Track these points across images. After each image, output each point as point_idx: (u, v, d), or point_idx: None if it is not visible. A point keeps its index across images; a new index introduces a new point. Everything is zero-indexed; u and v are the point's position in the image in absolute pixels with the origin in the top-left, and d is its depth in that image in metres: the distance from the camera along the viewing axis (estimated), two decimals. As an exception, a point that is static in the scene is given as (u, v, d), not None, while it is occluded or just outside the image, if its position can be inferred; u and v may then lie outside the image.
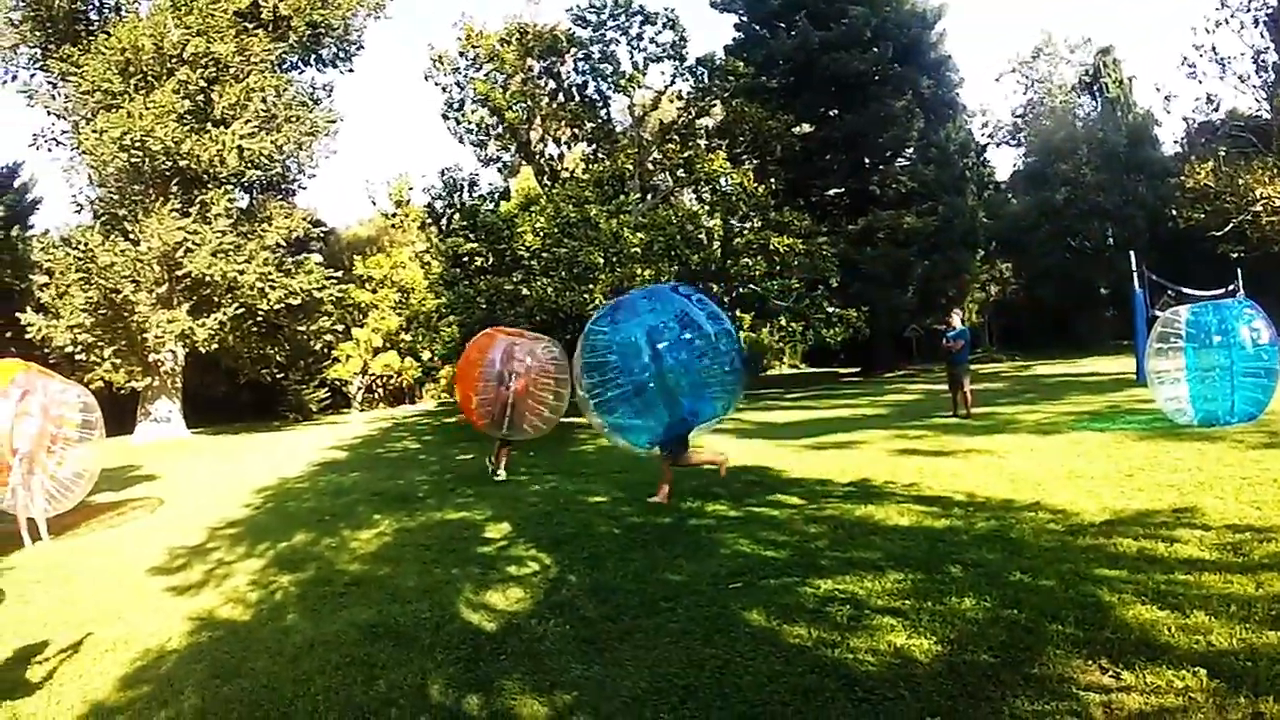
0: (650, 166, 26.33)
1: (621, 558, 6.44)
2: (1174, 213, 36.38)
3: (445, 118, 27.69)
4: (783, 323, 22.30)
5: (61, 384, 10.97)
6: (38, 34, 25.89)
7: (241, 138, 25.57)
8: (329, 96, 31.78)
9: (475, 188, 25.54)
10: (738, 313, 22.46)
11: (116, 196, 26.24)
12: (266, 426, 30.67)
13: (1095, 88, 48.69)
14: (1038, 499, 7.12)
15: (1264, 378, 10.46)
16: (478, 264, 22.25)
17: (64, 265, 24.18)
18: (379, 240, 46.41)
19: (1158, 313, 13.78)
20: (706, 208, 24.82)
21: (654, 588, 5.59)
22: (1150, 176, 42.94)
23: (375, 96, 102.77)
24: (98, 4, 26.92)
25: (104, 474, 16.03)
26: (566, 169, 27.67)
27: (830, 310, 23.36)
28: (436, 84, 27.36)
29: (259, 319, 27.17)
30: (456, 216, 23.87)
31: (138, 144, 23.42)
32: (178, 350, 26.18)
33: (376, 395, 44.50)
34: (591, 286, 19.34)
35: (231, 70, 26.23)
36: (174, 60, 24.89)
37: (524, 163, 28.67)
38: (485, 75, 26.12)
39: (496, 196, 26.15)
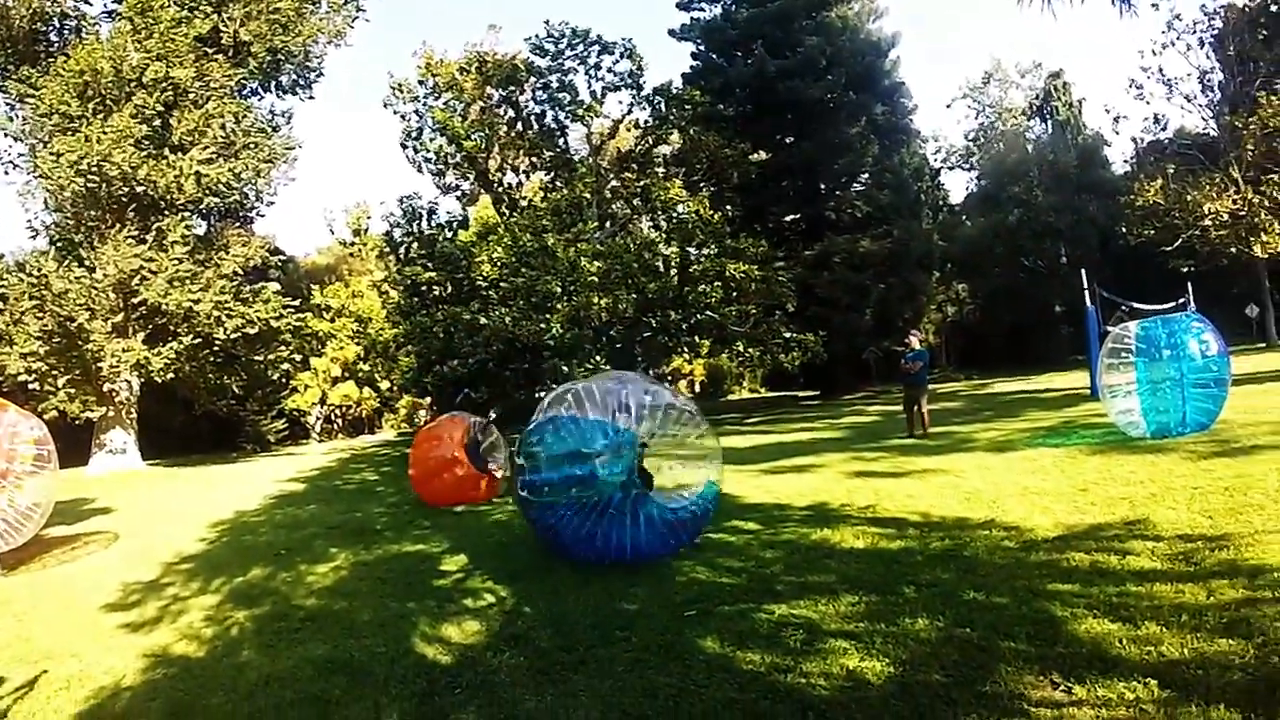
0: (608, 195, 26.52)
1: (579, 588, 6.42)
2: (1125, 230, 37.65)
3: (404, 146, 27.71)
4: (740, 348, 22.43)
5: (15, 414, 10.67)
6: None
7: (199, 164, 25.29)
8: (288, 123, 31.63)
9: (434, 216, 25.50)
10: (696, 339, 22.57)
11: (72, 222, 25.87)
12: (224, 458, 30.20)
13: (1046, 111, 50.07)
14: (992, 517, 7.23)
15: (1214, 388, 10.73)
16: (436, 293, 22.17)
17: (18, 292, 23.61)
18: (337, 269, 46.15)
19: (1110, 328, 14.08)
20: (663, 235, 24.99)
21: (610, 617, 5.60)
22: (1101, 196, 44.18)
23: (335, 124, 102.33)
24: (58, 25, 26.73)
25: (58, 507, 15.58)
26: (525, 197, 27.75)
27: (787, 335, 23.53)
28: (396, 112, 27.39)
29: (216, 348, 26.73)
30: (415, 245, 23.82)
31: (95, 169, 23.09)
32: (133, 380, 25.70)
33: (335, 426, 44.06)
34: (549, 315, 19.34)
35: (190, 95, 26.01)
36: (133, 84, 24.64)
37: (482, 191, 28.68)
38: (444, 104, 26.20)
39: (455, 225, 26.12)
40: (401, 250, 24.36)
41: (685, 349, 26.76)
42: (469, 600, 6.58)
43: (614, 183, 26.16)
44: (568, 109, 26.55)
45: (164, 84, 24.97)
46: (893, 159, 36.31)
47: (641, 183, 24.87)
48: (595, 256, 20.39)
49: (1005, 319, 47.34)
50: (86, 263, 24.62)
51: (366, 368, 39.78)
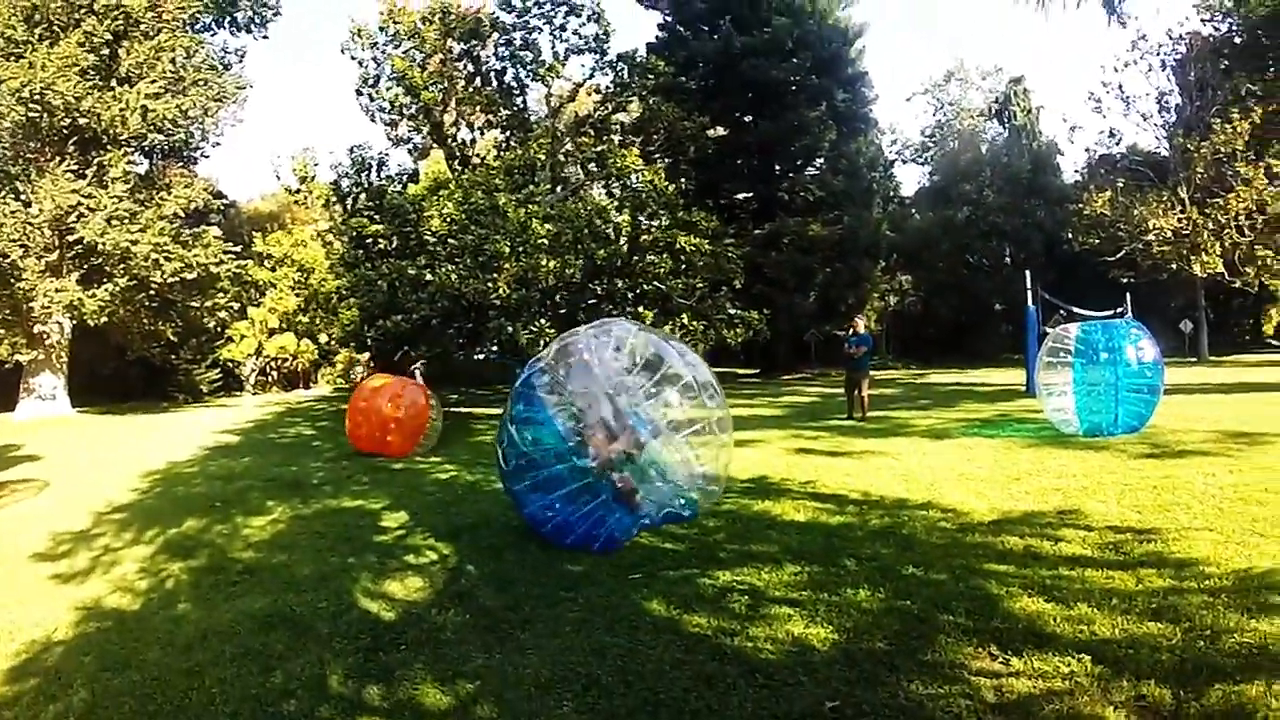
0: (562, 158, 26.19)
1: (520, 548, 6.44)
2: (1070, 237, 38.72)
3: (359, 93, 26.92)
4: (684, 321, 22.46)
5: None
6: None
7: (146, 98, 24.32)
8: (240, 62, 30.73)
9: (384, 168, 24.88)
10: (641, 309, 22.51)
11: (10, 153, 24.63)
12: (155, 407, 29.41)
13: (1004, 114, 50.87)
14: (929, 499, 7.42)
15: (1147, 394, 11.05)
16: (381, 246, 21.72)
17: (-53, 225, 22.50)
18: (280, 217, 44.90)
19: (1049, 329, 14.45)
20: (616, 203, 24.82)
21: (554, 578, 5.62)
22: (1050, 202, 45.22)
23: (288, 67, 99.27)
24: None
25: (-16, 453, 15.21)
26: (478, 155, 27.28)
27: (732, 311, 23.64)
28: (353, 58, 26.55)
29: (152, 293, 25.83)
30: (363, 196, 23.24)
31: (37, 97, 22.06)
32: (65, 322, 24.77)
33: (270, 379, 43.08)
34: (496, 275, 19.14)
35: (142, 26, 24.97)
36: (82, 10, 23.61)
37: (435, 145, 28.13)
38: (404, 53, 25.51)
39: (405, 179, 25.59)
40: (349, 201, 23.74)
41: (629, 319, 26.73)
42: (410, 557, 6.56)
43: (569, 146, 25.83)
44: (529, 68, 26.11)
45: (115, 12, 23.94)
46: (849, 146, 36.41)
47: (598, 148, 24.56)
48: (546, 219, 20.15)
49: (946, 313, 48.31)
50: (22, 196, 23.56)
51: (306, 320, 38.86)
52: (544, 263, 19.36)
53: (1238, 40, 34.52)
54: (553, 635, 4.55)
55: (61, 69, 22.32)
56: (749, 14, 34.06)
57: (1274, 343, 46.54)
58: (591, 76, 27.80)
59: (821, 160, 36.42)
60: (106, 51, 24.32)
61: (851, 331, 16.29)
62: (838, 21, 36.53)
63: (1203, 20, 35.42)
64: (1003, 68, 55.04)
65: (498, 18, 26.24)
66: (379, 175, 24.69)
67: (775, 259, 32.75)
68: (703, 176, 32.97)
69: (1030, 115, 49.54)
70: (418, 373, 16.41)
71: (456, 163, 26.87)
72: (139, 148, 27.03)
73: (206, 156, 43.24)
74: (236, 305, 34.35)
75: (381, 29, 26.01)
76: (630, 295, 21.93)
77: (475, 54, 26.52)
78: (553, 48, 26.45)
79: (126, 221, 23.54)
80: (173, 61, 25.62)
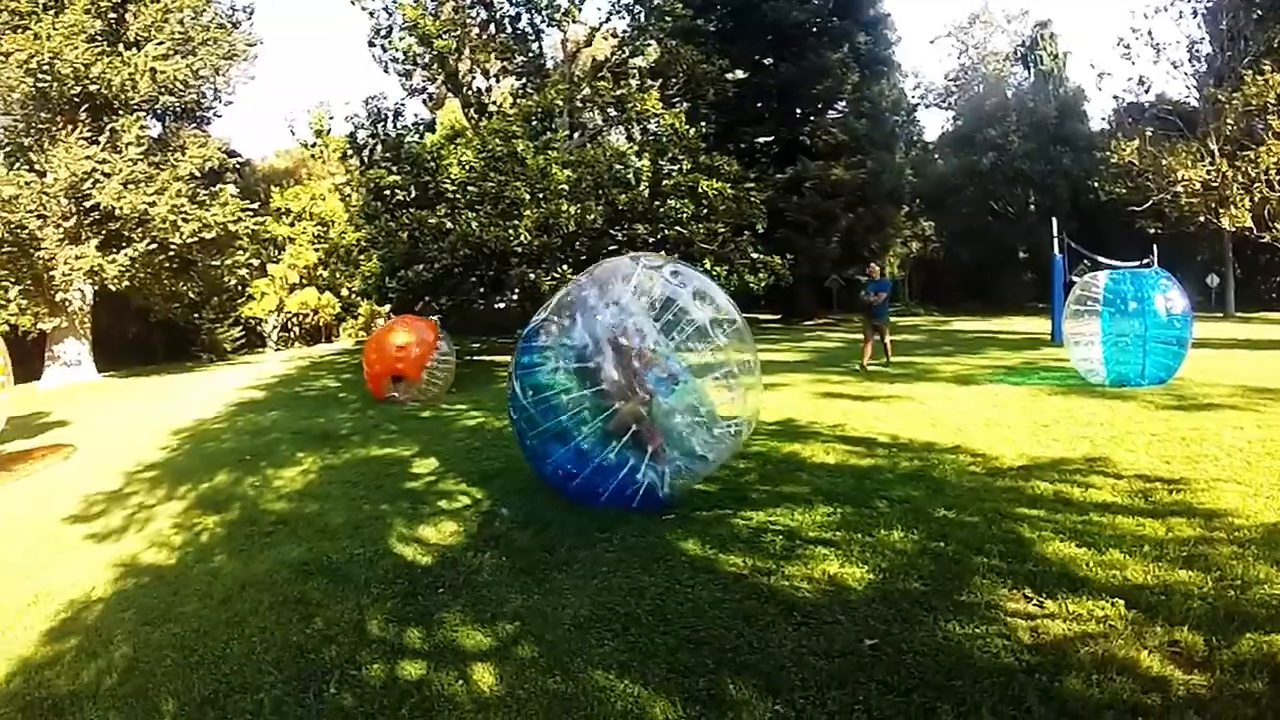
0: (580, 104, 25.75)
1: (552, 491, 6.41)
2: (1096, 185, 37.89)
3: (371, 44, 26.50)
4: (707, 266, 22.24)
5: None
6: None
7: (155, 60, 24.14)
8: (249, 19, 30.22)
9: (400, 118, 24.62)
10: (663, 254, 22.25)
11: (22, 125, 24.59)
12: (180, 367, 29.75)
13: (1029, 59, 49.57)
14: (958, 443, 7.35)
15: (1175, 345, 10.83)
16: (400, 197, 21.59)
17: (-36, 201, 22.57)
18: (297, 172, 44.87)
19: (1075, 278, 14.19)
20: (636, 147, 24.49)
21: (588, 519, 5.61)
22: (1076, 149, 44.25)
23: (297, 21, 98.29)
24: None
25: (12, 422, 15.36)
26: (495, 103, 26.93)
27: (755, 256, 23.37)
28: (364, 9, 26.10)
29: (171, 254, 25.90)
30: (380, 148, 23.04)
31: (45, 67, 21.94)
32: (86, 289, 24.90)
33: (292, 334, 43.42)
34: (517, 222, 19.01)
35: (149, -12, 24.69)
36: None
37: (450, 95, 27.79)
38: (415, 2, 25.08)
39: (422, 128, 25.32)
40: (365, 153, 23.55)
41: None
42: (443, 502, 6.57)
43: (587, 91, 25.34)
44: (544, 13, 25.58)
45: None
46: (872, 89, 35.76)
47: (616, 93, 24.09)
48: (566, 165, 19.93)
49: (969, 259, 47.69)
50: (37, 167, 23.57)
51: (327, 273, 39.00)
52: (565, 209, 19.20)
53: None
54: (590, 575, 4.56)
55: (68, 37, 22.13)
56: (768, -47, 33.23)
57: None
58: (608, 20, 27.23)
59: (843, 104, 35.87)
60: (114, 16, 24.14)
61: (869, 277, 15.84)
62: (858, -39, 35.62)
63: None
64: (1029, 11, 53.78)
65: (509, -38, 25.72)
66: (395, 126, 24.43)
67: (797, 203, 32.43)
68: (723, 120, 32.50)
69: (1057, 60, 48.30)
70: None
71: (473, 111, 26.53)
72: (151, 111, 26.84)
73: (219, 116, 42.95)
74: (256, 262, 34.48)
75: (393, -23, 25.54)
76: (651, 240, 21.71)
77: (488, 0, 26.03)
78: (568, -9, 25.92)
79: (142, 185, 23.53)
80: (180, 22, 25.35)
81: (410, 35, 24.81)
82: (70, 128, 23.52)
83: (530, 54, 26.26)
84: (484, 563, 4.96)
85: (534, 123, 22.09)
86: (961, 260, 48.36)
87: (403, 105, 25.02)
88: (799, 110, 36.33)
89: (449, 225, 19.19)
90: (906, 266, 52.22)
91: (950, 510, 5.27)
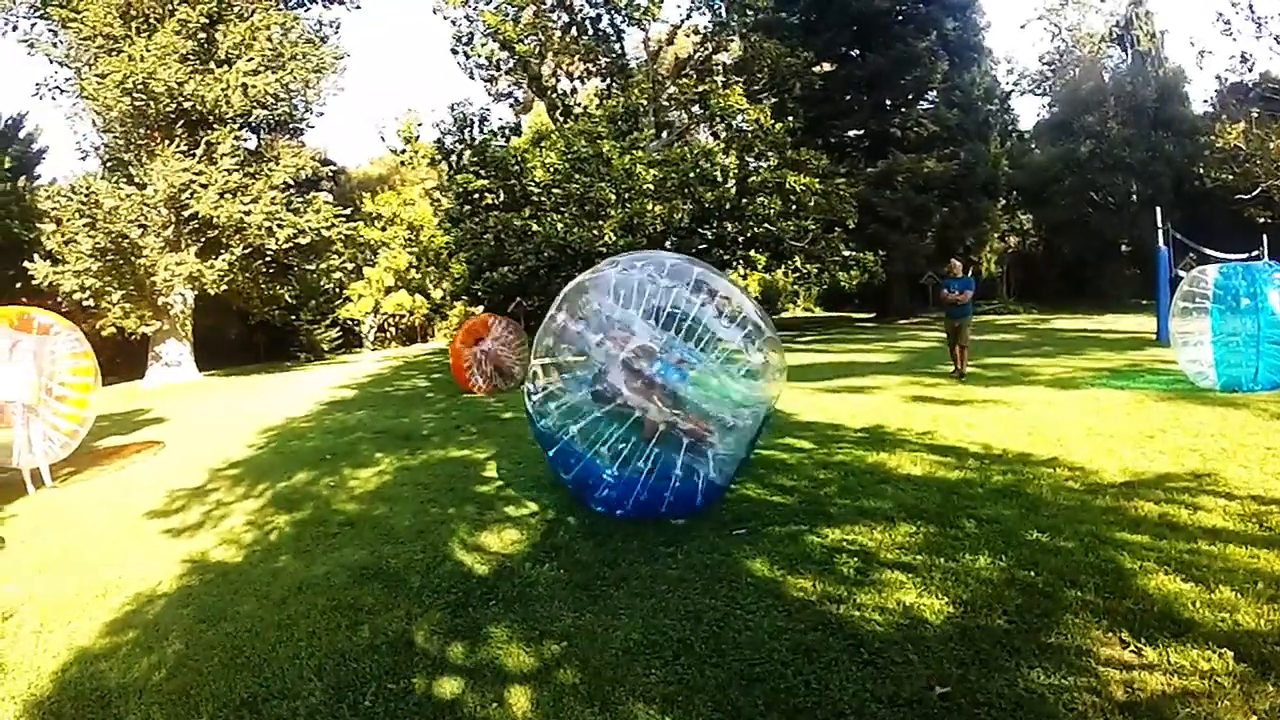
0: (665, 102, 25.60)
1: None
2: (1200, 172, 35.55)
3: (454, 52, 27.01)
4: (797, 264, 21.76)
5: (62, 328, 10.77)
6: None
7: (246, 76, 25.08)
8: (336, 34, 31.22)
9: (485, 123, 24.92)
10: (753, 253, 21.91)
11: (121, 141, 25.89)
12: (279, 367, 30.76)
13: (1125, 40, 47.03)
14: (1055, 455, 6.82)
15: (1292, 347, 9.90)
16: (487, 200, 21.87)
17: (70, 212, 23.80)
18: (389, 179, 46.03)
19: (1181, 272, 13.22)
20: (722, 145, 24.20)
21: (654, 532, 5.39)
22: (1178, 134, 41.73)
23: (383, 32, 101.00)
24: None
25: (113, 418, 16.14)
26: (580, 104, 27.02)
27: (846, 253, 22.81)
28: (445, 18, 26.60)
29: (268, 259, 26.92)
30: (467, 153, 23.37)
31: (140, 87, 23.01)
32: (187, 293, 26.01)
33: (389, 334, 44.60)
34: (601, 223, 18.98)
35: (235, 9, 25.74)
36: (175, 1, 24.36)
37: (536, 98, 28.06)
38: (495, 8, 25.34)
39: (507, 132, 25.59)
40: (453, 158, 23.94)
41: (741, 263, 26.17)
42: (510, 508, 6.46)
43: (671, 90, 25.19)
44: (624, 13, 25.53)
45: None
46: (963, 77, 34.60)
47: (699, 89, 23.83)
48: (651, 164, 19.80)
49: (1068, 253, 45.48)
50: (137, 180, 24.72)
51: (418, 276, 39.97)
52: (650, 208, 19.09)
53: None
54: (647, 595, 4.33)
55: (161, 58, 23.16)
56: (846, -58, 32.44)
57: None
58: (689, 17, 27.08)
59: (934, 93, 34.77)
60: (203, 36, 25.12)
61: (949, 274, 14.14)
62: (941, -55, 34.41)
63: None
64: (1123, -11, 50.82)
65: (586, -36, 25.78)
66: (481, 130, 24.75)
67: (889, 198, 31.58)
68: (811, 114, 31.86)
69: (1154, 40, 45.68)
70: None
71: (558, 114, 26.72)
72: (245, 124, 27.88)
73: (312, 127, 44.50)
74: (351, 266, 35.47)
75: (471, -15, 25.91)
76: (740, 239, 21.41)
77: (568, 3, 26.13)
78: (648, -10, 25.84)
79: (238, 194, 24.48)
80: (269, 39, 26.26)
81: (492, 41, 25.07)
82: (167, 142, 24.57)
83: (613, 54, 26.24)
84: (541, 575, 4.81)
85: (619, 123, 22.04)
86: (1061, 254, 46.15)
87: (488, 110, 25.35)
88: (888, 101, 35.37)
89: (534, 227, 19.31)
90: (1004, 262, 50.30)
91: (1043, 533, 4.81)
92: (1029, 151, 48.68)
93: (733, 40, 26.60)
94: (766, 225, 20.90)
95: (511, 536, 5.65)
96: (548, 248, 19.10)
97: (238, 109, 25.34)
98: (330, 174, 34.80)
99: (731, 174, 21.57)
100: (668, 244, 20.82)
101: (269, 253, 26.23)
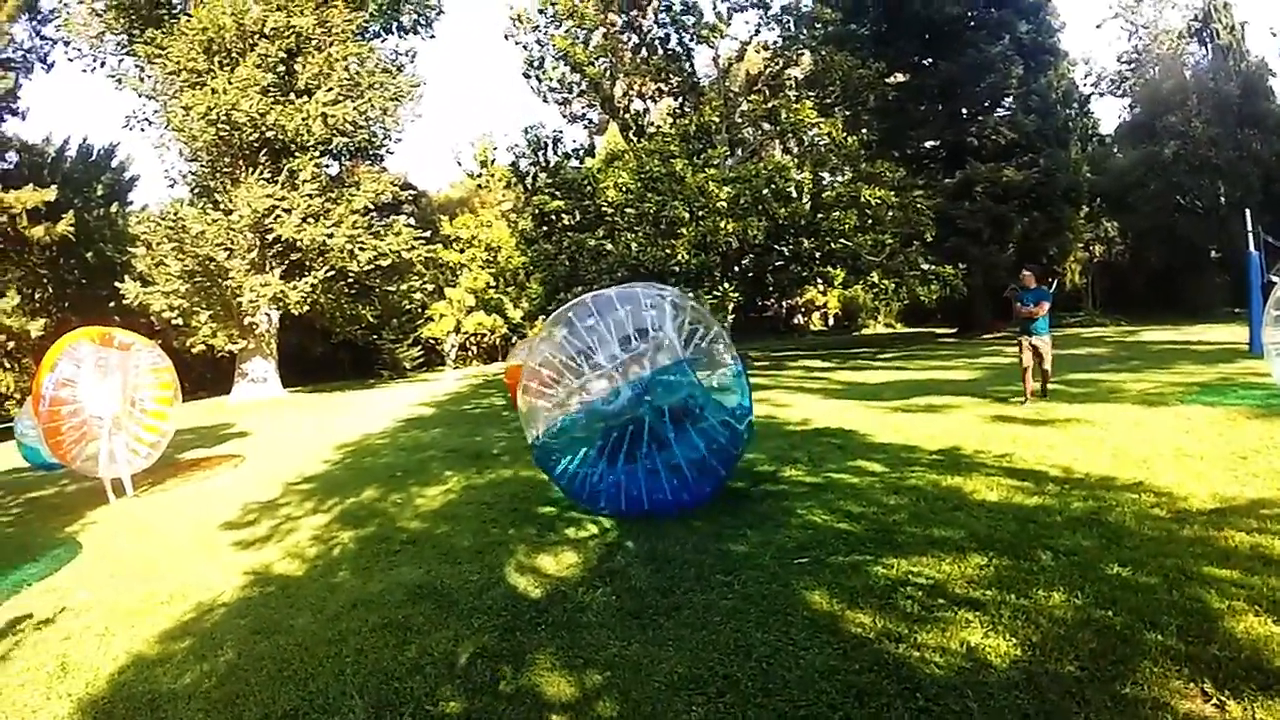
0: (738, 119, 25.49)
1: (684, 524, 6.13)
2: (1291, 171, 33.67)
3: (527, 76, 27.43)
4: (875, 279, 21.31)
5: (145, 348, 11.23)
6: (122, 21, 27.04)
7: (326, 105, 25.98)
8: (411, 62, 32.15)
9: (559, 145, 25.21)
10: (829, 269, 21.52)
11: (207, 169, 27.17)
12: (361, 384, 31.51)
13: (1205, 34, 45.02)
14: (1141, 479, 6.42)
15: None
16: (563, 221, 22.10)
17: (159, 236, 25.05)
18: (469, 201, 46.93)
19: (1274, 278, 12.43)
20: (795, 160, 23.94)
21: (713, 559, 5.27)
22: (1265, 130, 39.65)
23: (459, 57, 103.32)
24: None
25: (198, 431, 16.75)
26: (653, 124, 27.13)
27: (925, 267, 22.24)
28: (517, 43, 27.10)
29: (350, 280, 27.77)
30: (541, 175, 23.68)
31: (224, 118, 24.11)
32: (272, 313, 26.99)
33: (470, 353, 45.40)
34: (674, 241, 18.95)
35: (313, 42, 26.69)
36: (255, 36, 25.46)
37: (609, 119, 28.28)
38: (565, 31, 25.67)
39: (581, 153, 25.84)
40: (528, 180, 24.31)
41: (819, 279, 25.81)
42: (570, 530, 6.43)
43: (744, 106, 25.07)
44: (693, 31, 25.57)
45: (285, 33, 25.71)
46: (1039, 82, 33.57)
47: (771, 104, 23.62)
48: (725, 182, 19.71)
49: (1154, 262, 43.51)
50: (222, 205, 25.81)
51: (496, 295, 40.69)
52: (723, 226, 18.98)
53: None
54: (698, 625, 4.20)
55: (243, 90, 24.27)
56: (912, -51, 31.89)
57: None
58: (758, 33, 26.96)
59: (1010, 99, 33.84)
60: (283, 69, 26.17)
61: (1021, 285, 12.37)
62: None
63: None
64: (1200, -20, 48.57)
65: (654, -16, 25.94)
66: (555, 152, 25.04)
67: (968, 209, 30.82)
68: (885, 126, 31.42)
69: (1234, 33, 43.48)
70: None
71: (632, 133, 26.88)
72: (326, 151, 28.90)
73: (391, 153, 45.90)
74: (431, 287, 36.27)
75: (540, 11, 26.36)
76: (817, 255, 21.11)
77: (636, 24, 26.32)
78: (714, 7, 25.97)
79: (321, 218, 25.30)
80: (347, 69, 27.24)
81: (564, 64, 25.39)
82: (251, 169, 25.63)
83: (684, 73, 26.27)
84: (593, 600, 4.74)
85: (692, 141, 22.03)
86: (1147, 263, 44.19)
87: (561, 133, 25.68)
88: (963, 110, 34.56)
89: (608, 247, 19.40)
90: (1089, 272, 48.50)
91: (1124, 567, 4.49)
92: (1110, 156, 46.90)
93: (803, 54, 26.37)
94: (843, 240, 20.55)
95: (568, 559, 5.60)
96: (621, 267, 19.14)
97: (318, 137, 26.25)
98: (411, 198, 35.72)
99: (806, 189, 21.30)
100: (743, 261, 20.70)
101: (351, 274, 27.04)
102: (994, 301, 34.80)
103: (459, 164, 52.25)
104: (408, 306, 34.45)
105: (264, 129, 25.09)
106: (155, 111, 27.96)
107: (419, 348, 41.82)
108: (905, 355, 24.09)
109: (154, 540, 7.66)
